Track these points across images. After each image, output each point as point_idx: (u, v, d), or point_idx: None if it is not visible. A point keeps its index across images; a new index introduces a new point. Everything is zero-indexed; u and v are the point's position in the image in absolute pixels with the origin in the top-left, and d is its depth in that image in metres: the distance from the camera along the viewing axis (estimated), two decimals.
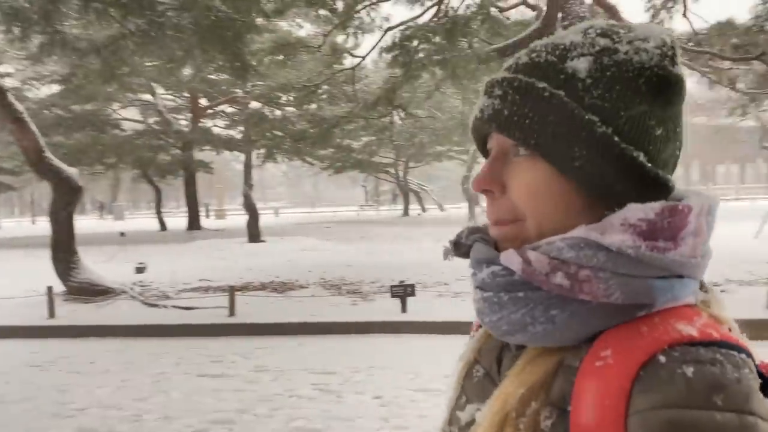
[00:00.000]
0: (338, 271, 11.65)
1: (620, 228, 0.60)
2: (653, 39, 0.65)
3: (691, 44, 10.99)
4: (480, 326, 0.81)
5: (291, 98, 15.34)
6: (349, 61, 13.12)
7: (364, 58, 11.71)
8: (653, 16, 10.79)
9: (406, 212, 30.63)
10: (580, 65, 0.64)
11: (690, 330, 0.57)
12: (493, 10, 9.38)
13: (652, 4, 11.22)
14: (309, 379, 5.51)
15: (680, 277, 0.61)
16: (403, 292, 7.74)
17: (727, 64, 11.45)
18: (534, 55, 0.67)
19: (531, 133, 0.63)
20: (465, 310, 7.75)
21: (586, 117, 0.62)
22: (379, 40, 11.00)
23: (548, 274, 0.61)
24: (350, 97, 13.78)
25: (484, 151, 0.74)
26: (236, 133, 24.13)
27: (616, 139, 0.62)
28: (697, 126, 34.99)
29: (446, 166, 42.19)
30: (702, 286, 0.66)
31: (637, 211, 0.61)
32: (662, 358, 0.55)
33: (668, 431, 0.52)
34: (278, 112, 19.59)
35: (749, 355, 0.57)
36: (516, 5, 10.28)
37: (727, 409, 0.51)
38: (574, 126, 0.62)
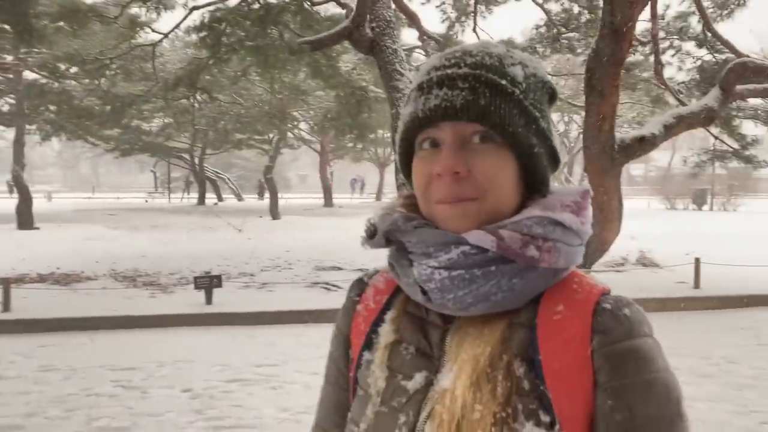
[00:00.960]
0: (131, 261, 10.85)
1: (561, 208, 0.75)
2: (537, 61, 0.81)
3: None
4: (380, 310, 0.84)
5: (78, 71, 13.80)
6: (148, 37, 12.23)
7: (166, 35, 11.01)
8: (449, 28, 11.74)
9: (201, 201, 29.34)
10: (517, 71, 0.76)
11: (600, 284, 0.76)
12: (305, 4, 9.44)
13: (447, 17, 12.21)
14: (107, 376, 5.10)
15: (581, 245, 0.78)
16: (208, 283, 7.49)
17: None
18: (478, 57, 0.75)
19: (507, 122, 0.73)
20: (273, 300, 7.77)
21: (534, 113, 0.75)
22: (184, 18, 10.46)
23: (522, 247, 0.71)
24: (148, 75, 12.85)
25: (410, 142, 0.78)
26: (1, 104, 21.04)
27: (549, 132, 0.78)
28: None
29: (244, 154, 41.33)
30: None
31: (568, 195, 0.77)
32: (607, 306, 0.72)
33: (625, 356, 0.70)
34: (56, 85, 17.50)
35: None
36: (327, 1, 10.48)
37: (650, 334, 0.73)
38: (530, 119, 0.75)
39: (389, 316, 0.83)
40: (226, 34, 8.93)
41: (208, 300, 7.44)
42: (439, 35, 11.64)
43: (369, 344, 0.83)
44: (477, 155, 0.73)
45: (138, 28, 11.31)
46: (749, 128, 11.66)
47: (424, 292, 0.75)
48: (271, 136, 22.62)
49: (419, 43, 12.65)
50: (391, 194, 42.64)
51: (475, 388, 0.70)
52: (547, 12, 10.76)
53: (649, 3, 7.13)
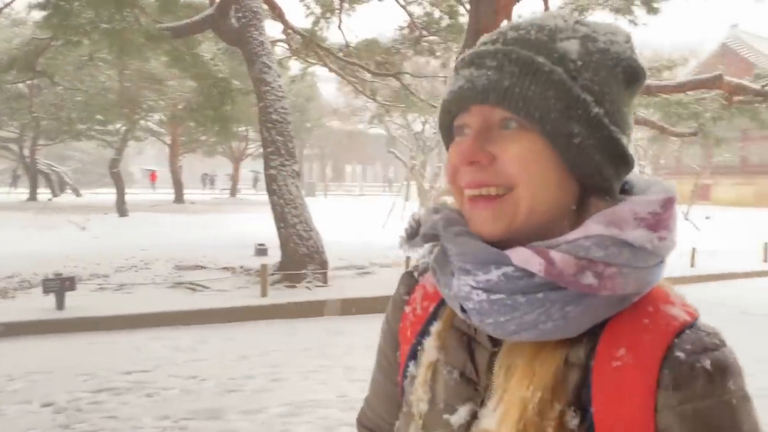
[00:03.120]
0: None
1: (634, 222, 0.62)
2: (620, 34, 0.68)
3: (341, 54, 12.28)
4: (427, 319, 0.77)
5: None
6: None
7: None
8: (314, 24, 11.68)
9: (33, 196, 26.54)
10: (571, 47, 0.64)
11: (680, 314, 0.63)
12: None
13: (311, 11, 12.14)
14: None
15: (660, 263, 0.65)
16: (59, 286, 6.81)
17: (369, 76, 13.12)
18: (522, 31, 0.65)
19: (534, 106, 0.62)
20: (133, 302, 7.27)
21: (582, 96, 0.63)
22: None
23: (576, 274, 0.60)
24: None
25: (448, 128, 0.71)
26: None
27: (606, 120, 0.64)
28: (334, 129, 39.02)
29: (82, 146, 37.97)
30: None
31: (645, 205, 0.63)
32: (681, 355, 0.59)
33: (699, 420, 0.59)
34: None
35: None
36: None
37: (737, 389, 0.60)
38: (573, 103, 0.62)
39: (435, 328, 0.75)
40: (75, 15, 8.16)
41: (60, 305, 6.77)
42: (304, 30, 11.55)
43: (414, 355, 0.77)
44: (502, 142, 0.64)
45: None
46: None
47: (464, 309, 0.66)
48: (117, 126, 21.02)
49: (283, 37, 12.47)
50: (245, 190, 41.57)
51: None
52: (410, 14, 11.12)
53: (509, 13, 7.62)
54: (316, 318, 7.36)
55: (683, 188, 29.58)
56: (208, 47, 13.47)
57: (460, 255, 0.66)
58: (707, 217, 23.74)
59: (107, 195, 29.46)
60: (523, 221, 0.64)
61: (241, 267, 9.90)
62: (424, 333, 0.76)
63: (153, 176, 44.36)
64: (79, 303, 6.99)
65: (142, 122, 22.84)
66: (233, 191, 34.62)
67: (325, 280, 8.53)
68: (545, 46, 0.64)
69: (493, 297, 0.62)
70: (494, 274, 0.63)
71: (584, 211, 0.65)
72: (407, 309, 0.81)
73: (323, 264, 8.68)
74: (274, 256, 10.48)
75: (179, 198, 27.60)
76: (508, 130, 0.64)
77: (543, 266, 0.60)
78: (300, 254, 8.61)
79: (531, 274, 0.62)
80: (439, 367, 0.72)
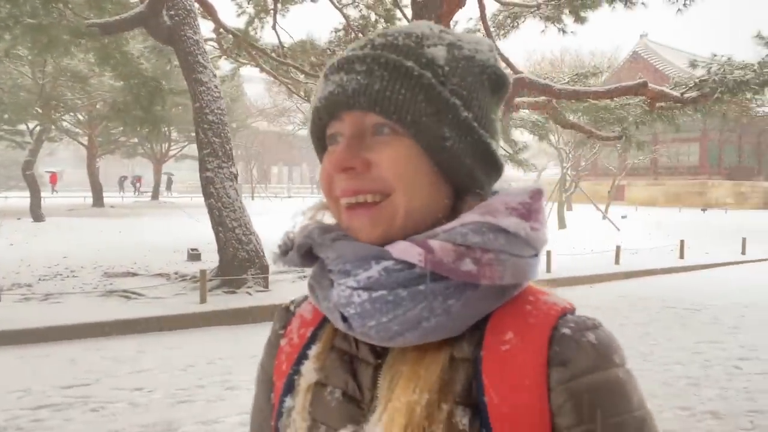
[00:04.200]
0: None
1: (506, 212, 0.63)
2: (484, 44, 0.69)
3: (275, 55, 12.09)
4: (304, 345, 0.73)
5: None
6: None
7: None
8: (248, 23, 11.44)
9: None
10: (438, 53, 0.64)
11: (560, 301, 0.65)
12: None
13: (243, 10, 11.89)
14: None
15: (535, 255, 0.65)
16: None
17: (304, 77, 12.96)
18: (390, 37, 0.65)
19: (405, 110, 0.61)
20: (63, 313, 6.91)
21: (452, 100, 0.63)
22: None
23: (455, 261, 0.59)
24: None
25: (320, 137, 0.69)
26: None
27: (475, 124, 0.65)
28: (260, 130, 38.39)
29: None
30: None
31: (515, 196, 0.65)
32: (566, 331, 0.60)
33: (590, 394, 0.59)
34: None
35: None
36: None
37: (621, 363, 0.62)
38: (443, 107, 0.62)
39: (313, 351, 0.70)
40: None
41: None
42: (236, 29, 11.29)
43: (291, 388, 0.71)
44: (377, 149, 0.63)
45: None
46: (518, 135, 13.44)
47: (345, 319, 0.63)
48: (31, 126, 19.80)
49: (213, 36, 12.14)
50: (170, 193, 40.07)
51: None
52: (345, 16, 11.09)
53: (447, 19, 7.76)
54: (259, 323, 7.22)
55: (601, 189, 31.15)
56: (135, 45, 12.96)
57: (338, 258, 0.64)
58: (623, 216, 25.06)
59: (18, 199, 27.74)
60: (401, 225, 0.63)
61: (176, 273, 9.58)
62: (301, 359, 0.71)
63: (53, 178, 42.16)
64: (2, 315, 6.56)
65: (58, 122, 21.64)
66: (155, 194, 33.42)
67: (266, 285, 8.40)
68: (413, 52, 0.64)
69: (375, 294, 0.61)
70: (374, 270, 0.61)
71: (460, 209, 0.65)
72: (283, 342, 0.75)
73: (264, 268, 8.53)
74: (208, 260, 10.22)
75: (98, 201, 26.30)
76: (381, 135, 0.63)
77: (422, 255, 0.59)
78: (240, 259, 8.43)
79: (411, 266, 0.60)
80: (319, 391, 0.68)
